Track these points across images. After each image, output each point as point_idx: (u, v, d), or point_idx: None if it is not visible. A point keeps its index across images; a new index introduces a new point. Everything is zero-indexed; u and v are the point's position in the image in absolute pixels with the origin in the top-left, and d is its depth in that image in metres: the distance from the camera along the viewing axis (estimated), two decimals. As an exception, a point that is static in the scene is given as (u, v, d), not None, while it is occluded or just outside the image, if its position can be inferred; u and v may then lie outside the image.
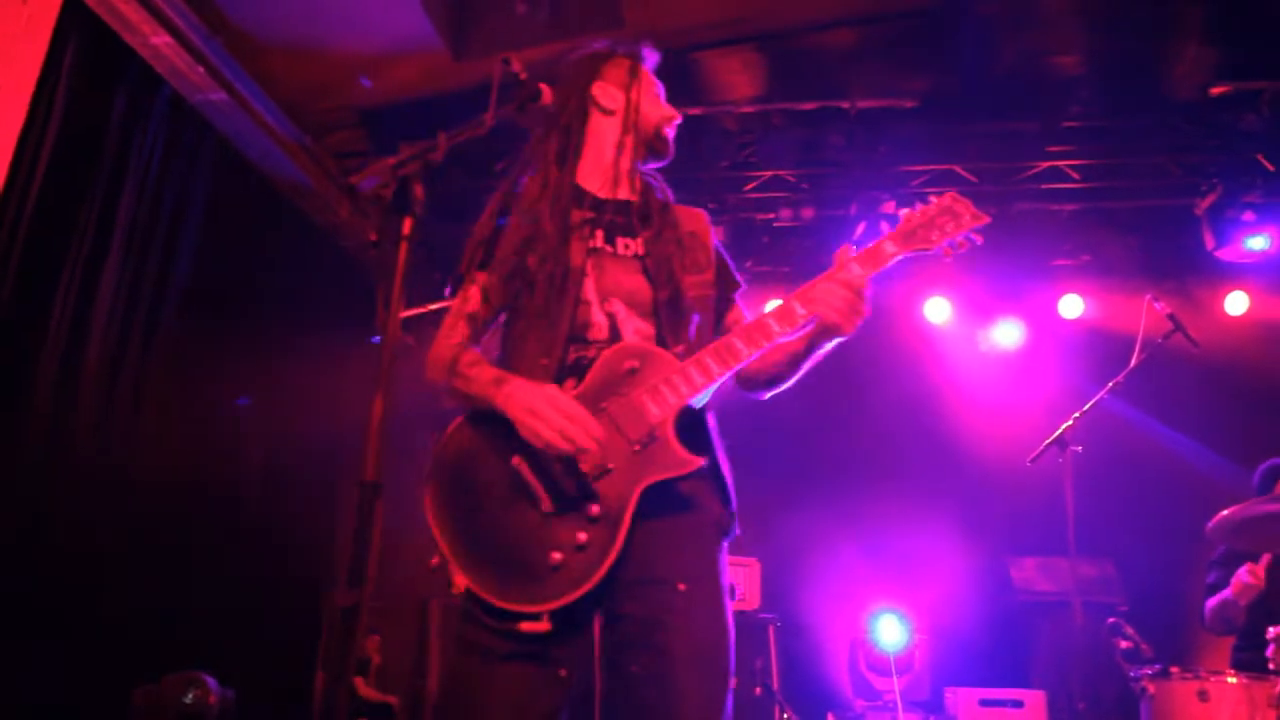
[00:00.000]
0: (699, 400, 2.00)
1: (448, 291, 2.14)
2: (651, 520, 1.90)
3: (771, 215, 6.62)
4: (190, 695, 4.06)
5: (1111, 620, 4.01)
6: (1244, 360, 6.29)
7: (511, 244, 2.10)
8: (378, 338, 1.50)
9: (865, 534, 6.41)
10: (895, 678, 5.70)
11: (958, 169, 6.26)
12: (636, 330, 2.07)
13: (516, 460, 1.93)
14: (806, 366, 2.11)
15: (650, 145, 2.27)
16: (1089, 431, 4.09)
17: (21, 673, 3.67)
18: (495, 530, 1.90)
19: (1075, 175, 6.23)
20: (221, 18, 4.54)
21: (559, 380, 1.97)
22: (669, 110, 2.30)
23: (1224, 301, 6.50)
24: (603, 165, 2.22)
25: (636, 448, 1.91)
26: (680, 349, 2.02)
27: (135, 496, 4.30)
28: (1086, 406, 4.11)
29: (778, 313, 2.00)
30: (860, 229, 6.15)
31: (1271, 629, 3.39)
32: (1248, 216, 5.80)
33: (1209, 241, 6.01)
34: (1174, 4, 5.00)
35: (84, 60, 4.07)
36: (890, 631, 5.89)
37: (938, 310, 6.82)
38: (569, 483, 1.90)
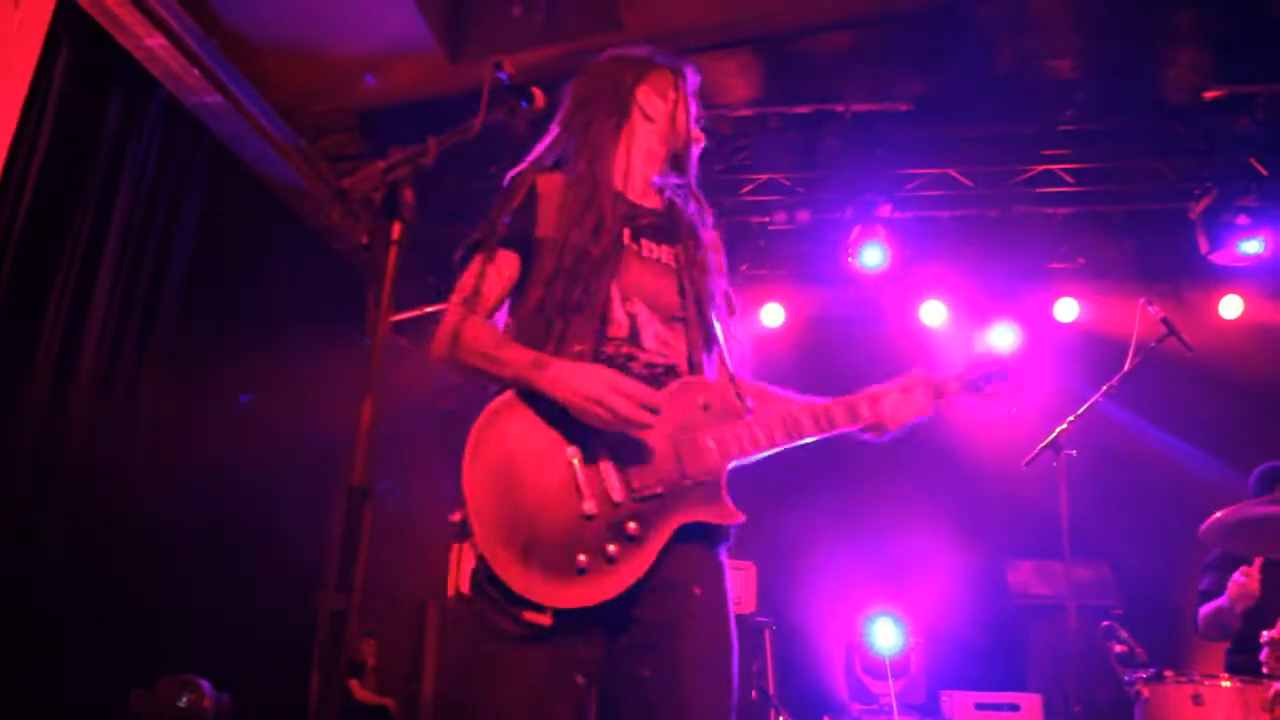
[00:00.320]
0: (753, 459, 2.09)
1: (458, 257, 2.11)
2: (676, 541, 1.94)
3: (767, 218, 6.63)
4: (185, 699, 4.06)
5: (1106, 624, 4.01)
6: (1238, 364, 6.29)
7: (549, 225, 2.08)
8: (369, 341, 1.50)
9: (861, 537, 6.41)
10: (891, 681, 5.70)
11: (953, 173, 6.27)
12: (656, 335, 2.09)
13: (572, 452, 1.92)
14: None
15: (677, 160, 2.29)
16: (1084, 435, 4.09)
17: (17, 677, 3.66)
18: (531, 516, 1.87)
19: (1070, 179, 6.24)
20: (216, 20, 4.53)
21: None
22: (699, 132, 2.33)
23: (1218, 305, 6.51)
24: (633, 168, 2.23)
25: (688, 483, 1.96)
26: (725, 383, 2.13)
27: (129, 499, 4.29)
28: (1081, 410, 4.11)
29: (844, 409, 2.17)
30: (855, 232, 6.16)
31: (1265, 633, 3.39)
32: (1242, 220, 5.81)
33: (1203, 245, 6.02)
34: (1168, 8, 5.02)
35: (78, 63, 4.06)
36: (886, 635, 5.89)
37: (933, 313, 6.83)
38: (617, 492, 1.91)
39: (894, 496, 6.28)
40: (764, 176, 6.39)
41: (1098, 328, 6.57)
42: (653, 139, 2.26)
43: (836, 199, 6.31)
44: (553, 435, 1.93)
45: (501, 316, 2.15)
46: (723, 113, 5.80)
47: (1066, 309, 6.71)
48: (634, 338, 2.06)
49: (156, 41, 4.29)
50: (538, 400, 1.94)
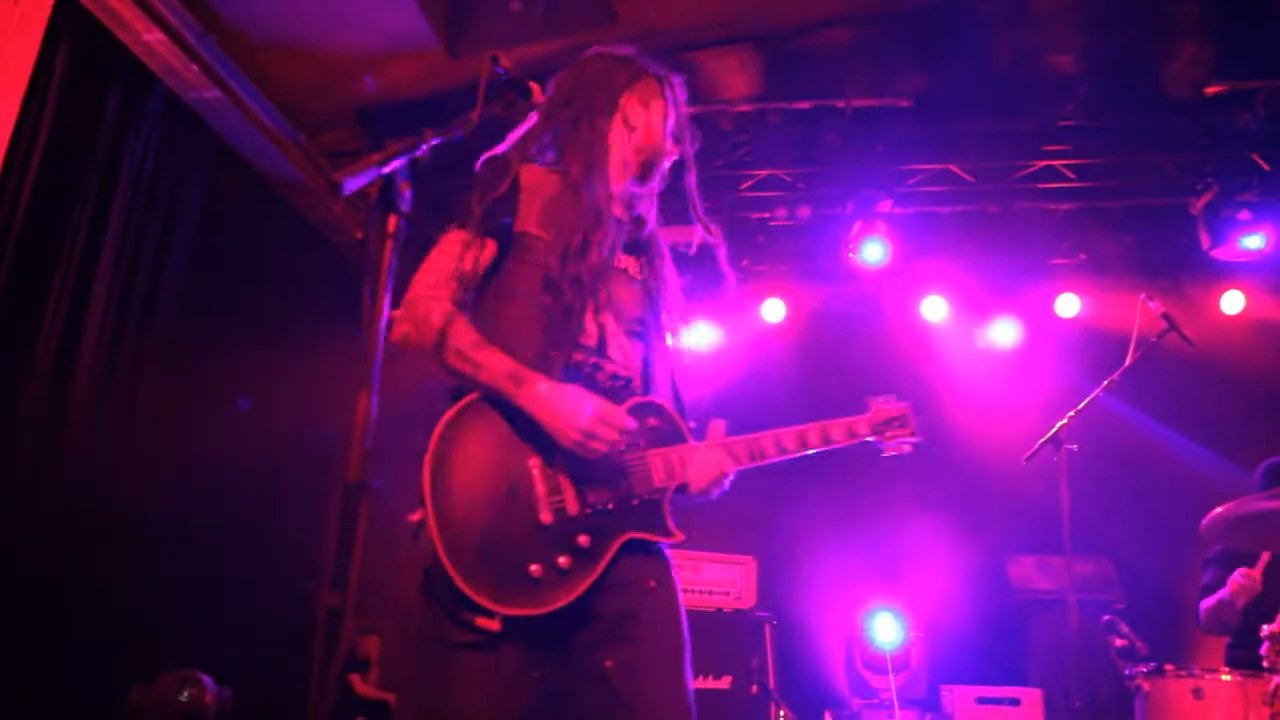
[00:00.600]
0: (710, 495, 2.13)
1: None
2: (622, 553, 1.99)
3: (767, 214, 6.62)
4: (186, 694, 4.06)
5: (1106, 618, 4.01)
6: (1239, 359, 6.28)
7: (531, 220, 2.07)
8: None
9: (861, 532, 6.41)
10: (892, 676, 5.70)
11: (953, 168, 6.26)
12: (619, 348, 2.12)
13: (533, 462, 1.95)
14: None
15: (647, 170, 2.26)
16: (1084, 430, 4.08)
17: (18, 673, 3.67)
18: (487, 519, 1.89)
19: (1071, 174, 6.22)
20: (215, 15, 4.52)
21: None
22: (673, 146, 2.29)
23: (1219, 300, 6.49)
24: (612, 177, 2.21)
25: (635, 501, 2.01)
26: (670, 404, 2.17)
27: (129, 495, 4.29)
28: (1082, 405, 4.10)
29: (795, 436, 2.27)
30: (856, 228, 6.15)
31: (1265, 627, 3.39)
32: (1243, 215, 5.80)
33: (1205, 240, 6.01)
34: (1169, 3, 5.00)
35: (77, 58, 4.05)
36: (886, 629, 5.88)
37: (934, 309, 6.82)
38: (573, 505, 1.94)
39: (895, 491, 6.27)
40: (764, 172, 6.38)
41: (1099, 323, 6.56)
42: (629, 149, 2.23)
43: (837, 194, 6.30)
44: (516, 443, 1.95)
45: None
46: (723, 108, 5.79)
47: (1067, 304, 6.70)
48: (601, 348, 2.08)
49: (155, 37, 4.29)
50: (502, 408, 1.96)
